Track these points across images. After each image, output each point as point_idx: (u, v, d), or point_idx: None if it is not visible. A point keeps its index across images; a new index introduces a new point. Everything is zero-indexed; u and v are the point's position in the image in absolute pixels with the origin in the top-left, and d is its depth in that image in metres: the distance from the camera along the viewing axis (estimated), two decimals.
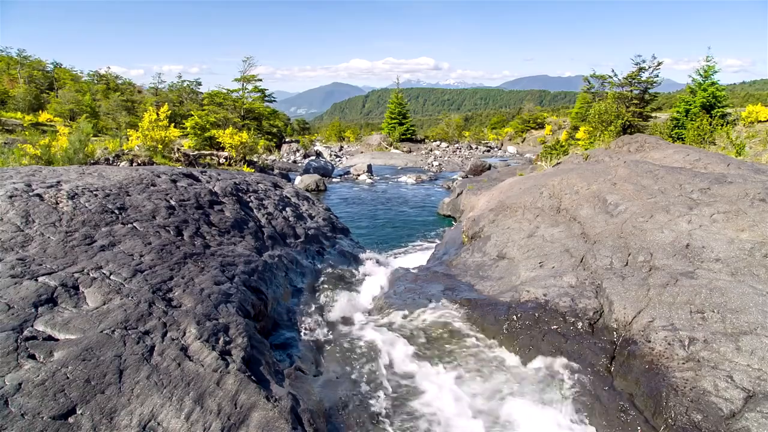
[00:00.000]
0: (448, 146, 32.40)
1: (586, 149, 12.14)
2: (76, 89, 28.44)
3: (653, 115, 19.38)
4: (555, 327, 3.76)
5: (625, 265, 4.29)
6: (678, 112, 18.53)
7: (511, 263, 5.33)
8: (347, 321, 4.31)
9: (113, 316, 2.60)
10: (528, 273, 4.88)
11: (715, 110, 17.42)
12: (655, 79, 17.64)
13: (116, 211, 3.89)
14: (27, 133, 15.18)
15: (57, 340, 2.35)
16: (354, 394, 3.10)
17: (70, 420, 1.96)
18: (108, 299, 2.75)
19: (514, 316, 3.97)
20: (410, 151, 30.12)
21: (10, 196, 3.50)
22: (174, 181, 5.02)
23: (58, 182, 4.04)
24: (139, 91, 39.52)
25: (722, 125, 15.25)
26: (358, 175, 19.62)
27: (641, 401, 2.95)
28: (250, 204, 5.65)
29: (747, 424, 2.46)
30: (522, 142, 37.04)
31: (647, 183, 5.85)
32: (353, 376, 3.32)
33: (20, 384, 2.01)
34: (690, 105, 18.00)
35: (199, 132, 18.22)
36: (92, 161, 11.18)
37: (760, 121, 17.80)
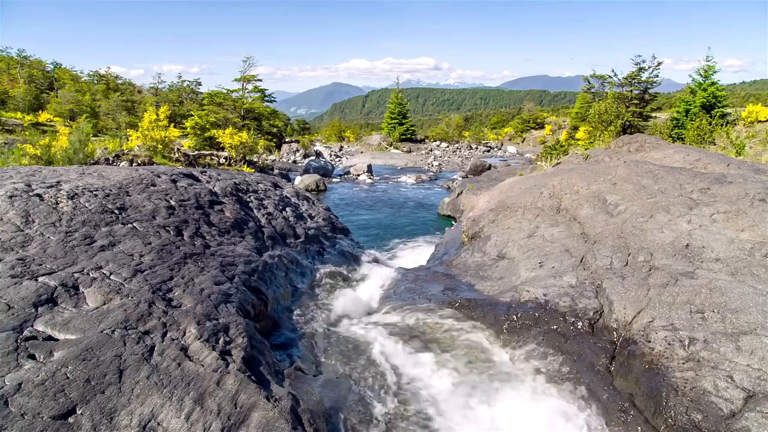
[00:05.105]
0: (448, 146, 32.37)
1: (586, 149, 12.13)
2: (76, 89, 28.48)
3: (653, 115, 19.37)
4: (555, 327, 3.76)
5: (625, 265, 4.29)
6: (678, 112, 18.53)
7: (511, 263, 5.33)
8: (347, 321, 4.30)
9: (113, 316, 2.60)
10: (528, 273, 4.88)
11: (715, 110, 17.41)
12: (655, 79, 17.64)
13: (116, 211, 3.89)
14: (27, 133, 15.17)
15: (57, 340, 2.35)
16: (354, 394, 3.10)
17: (70, 420, 1.96)
18: (108, 299, 2.75)
19: (514, 316, 3.97)
20: (410, 151, 30.10)
21: (10, 196, 3.50)
22: (174, 181, 5.02)
23: (58, 182, 4.04)
24: (139, 91, 39.54)
25: (722, 125, 15.23)
26: (358, 175, 19.61)
27: (641, 401, 2.95)
28: (250, 204, 5.65)
29: (747, 424, 2.46)
30: (522, 142, 37.04)
31: (647, 183, 5.85)
32: (353, 376, 3.32)
33: (20, 384, 2.01)
34: (690, 105, 18.00)
35: (199, 132, 18.21)
36: (92, 161, 11.18)
37: (760, 121, 17.79)
